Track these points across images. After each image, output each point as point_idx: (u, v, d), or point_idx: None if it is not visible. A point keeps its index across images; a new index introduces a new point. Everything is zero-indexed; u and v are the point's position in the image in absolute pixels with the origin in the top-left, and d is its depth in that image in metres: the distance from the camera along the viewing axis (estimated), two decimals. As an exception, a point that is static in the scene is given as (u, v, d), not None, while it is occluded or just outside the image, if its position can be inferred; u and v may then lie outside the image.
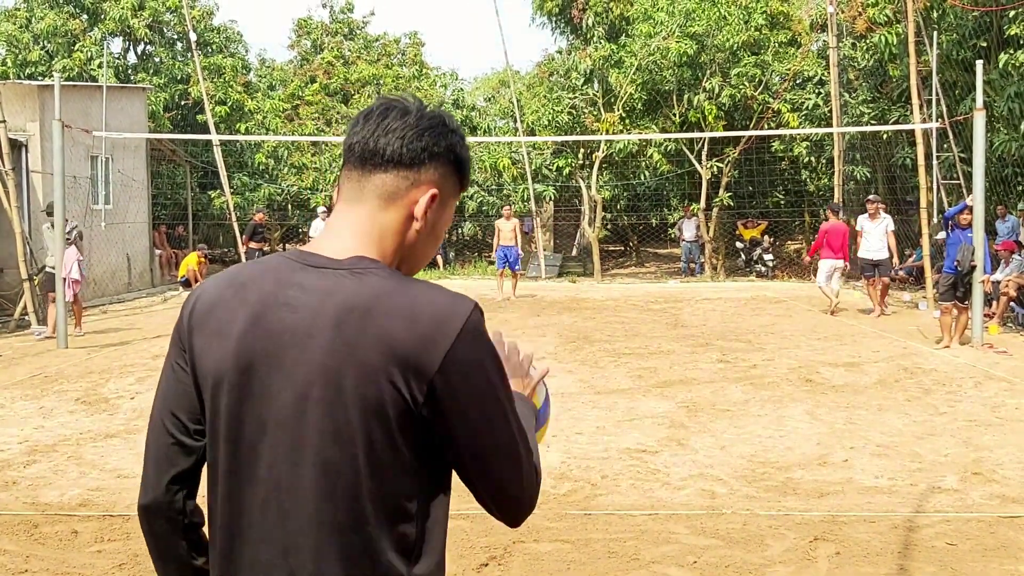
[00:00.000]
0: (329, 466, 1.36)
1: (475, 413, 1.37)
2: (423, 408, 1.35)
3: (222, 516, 1.44)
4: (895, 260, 14.49)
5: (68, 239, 12.04)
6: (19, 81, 18.52)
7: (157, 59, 27.11)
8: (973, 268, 10.95)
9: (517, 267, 17.21)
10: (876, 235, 13.97)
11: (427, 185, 1.48)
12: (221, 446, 1.43)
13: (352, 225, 1.47)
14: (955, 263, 11.03)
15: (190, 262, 19.88)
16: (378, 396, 1.34)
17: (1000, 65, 14.68)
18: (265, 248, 20.37)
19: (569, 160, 22.38)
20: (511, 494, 1.45)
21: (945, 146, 16.06)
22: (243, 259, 20.64)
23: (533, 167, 22.70)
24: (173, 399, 1.49)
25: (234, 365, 1.40)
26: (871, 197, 14.81)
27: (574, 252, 25.49)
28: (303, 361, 1.37)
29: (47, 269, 12.44)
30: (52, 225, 12.21)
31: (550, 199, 23.60)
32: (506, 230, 16.94)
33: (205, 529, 1.53)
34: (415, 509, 1.40)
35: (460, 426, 1.37)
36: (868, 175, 20.49)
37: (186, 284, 19.60)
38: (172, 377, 1.49)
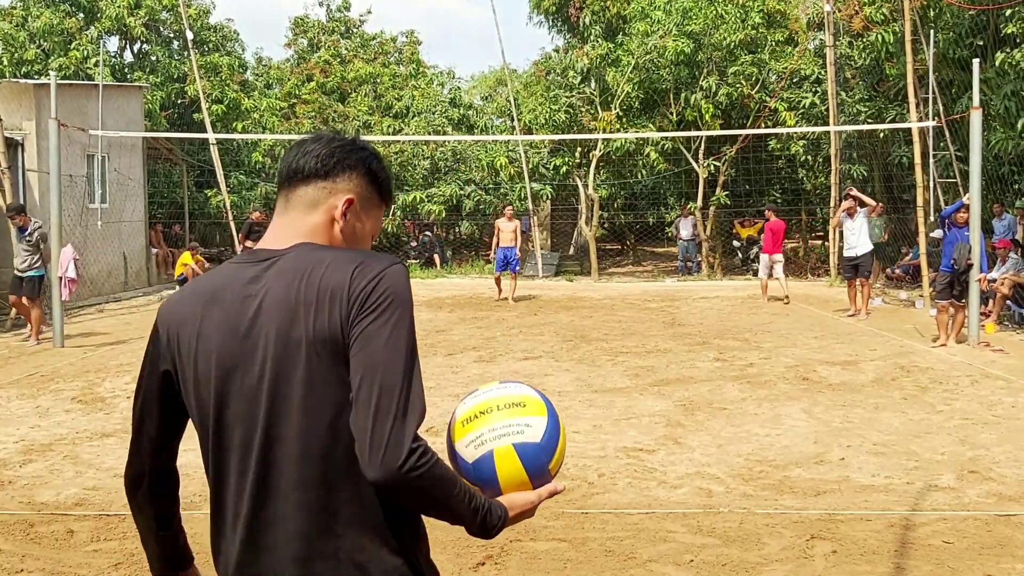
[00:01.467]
0: (310, 410, 1.59)
1: (375, 334, 1.56)
2: (348, 334, 1.58)
3: (232, 487, 1.68)
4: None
5: (30, 240, 11.64)
6: (15, 80, 18.48)
7: (153, 58, 27.06)
8: (970, 266, 10.96)
9: (517, 268, 16.98)
10: (856, 231, 13.89)
11: (343, 192, 1.76)
12: (219, 427, 1.68)
13: (287, 227, 1.75)
14: (952, 261, 11.04)
15: (186, 261, 19.85)
16: (328, 333, 1.58)
17: (996, 63, 14.68)
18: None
19: (566, 159, 22.36)
20: (376, 432, 1.51)
21: (942, 144, 16.07)
22: (240, 258, 20.61)
23: (530, 166, 22.69)
24: (152, 401, 1.80)
25: (219, 360, 1.66)
26: (846, 192, 14.76)
27: (571, 251, 25.49)
28: (268, 331, 1.62)
29: (16, 273, 11.87)
30: (20, 228, 11.79)
31: (547, 198, 23.60)
32: (507, 231, 16.70)
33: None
34: None
35: (362, 341, 1.56)
36: (865, 174, 20.49)
37: (183, 283, 19.58)
38: (153, 383, 1.78)
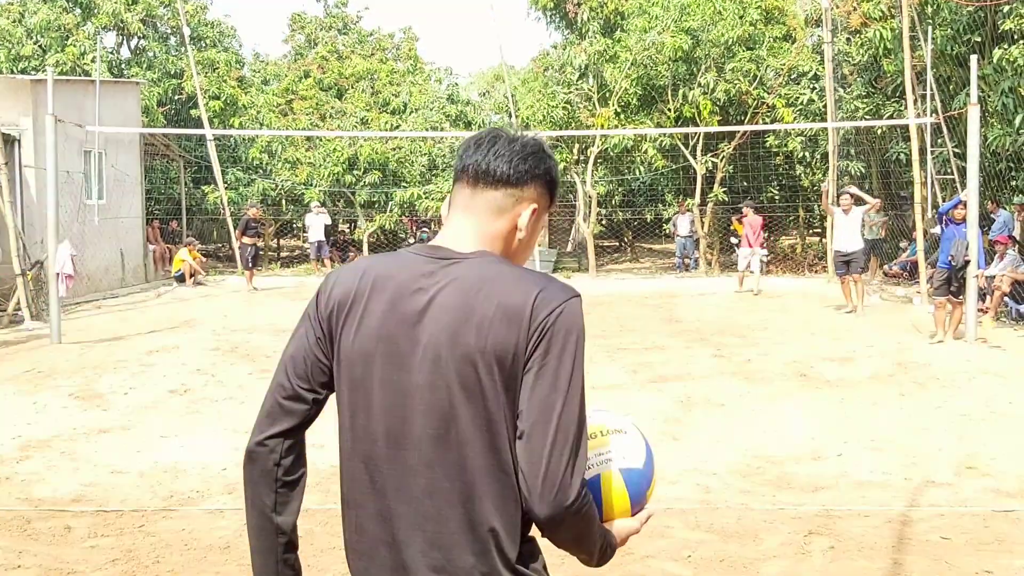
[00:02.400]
0: (470, 420, 1.59)
1: (555, 369, 1.58)
2: (523, 358, 1.58)
3: (369, 478, 1.66)
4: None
5: None
6: (12, 76, 18.45)
7: (151, 54, 27.00)
8: (967, 263, 10.96)
9: None
10: (850, 227, 13.93)
11: (529, 201, 1.76)
12: (366, 413, 1.66)
13: (470, 229, 1.74)
14: (949, 258, 11.05)
15: (183, 257, 19.82)
16: (499, 352, 1.57)
17: (994, 60, 14.68)
18: (259, 243, 20.30)
19: (564, 155, 22.34)
20: (551, 469, 1.53)
21: (939, 141, 16.07)
22: (236, 254, 20.59)
23: (528, 162, 22.64)
24: (296, 366, 1.73)
25: (378, 344, 1.65)
26: (845, 190, 14.88)
27: (569, 247, 25.49)
28: (434, 330, 1.61)
29: None
30: None
31: (545, 194, 23.58)
32: None
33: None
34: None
35: (538, 374, 1.57)
36: (863, 170, 20.48)
37: (180, 279, 19.55)
38: (302, 350, 1.74)
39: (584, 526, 1.59)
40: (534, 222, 1.77)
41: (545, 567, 1.69)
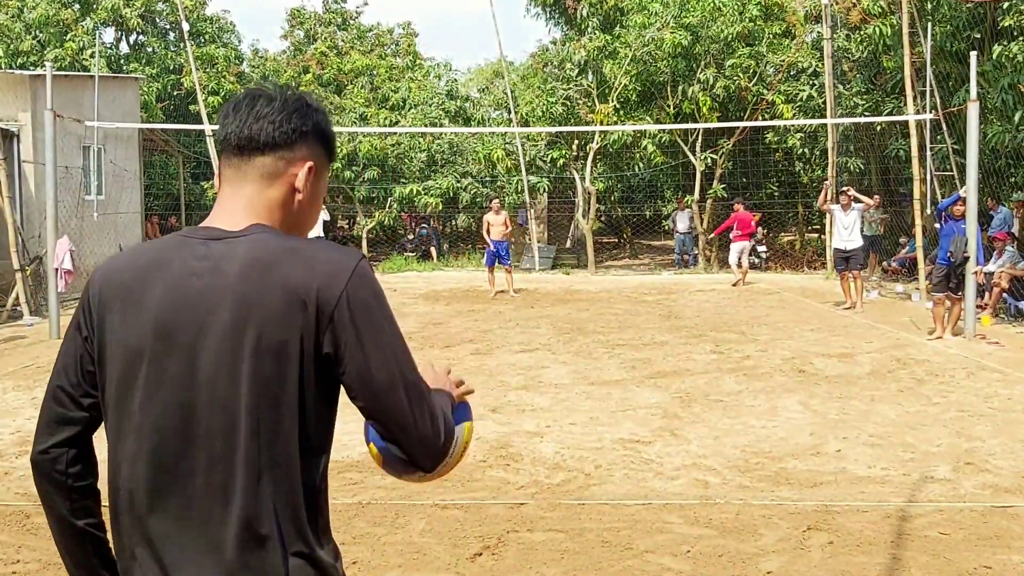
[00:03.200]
0: (252, 411, 1.50)
1: (375, 345, 1.53)
2: (325, 345, 1.52)
3: (143, 476, 1.53)
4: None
5: None
6: (11, 71, 18.41)
7: (149, 49, 26.98)
8: (966, 259, 10.98)
9: (508, 261, 16.55)
10: (849, 224, 13.97)
11: (303, 161, 1.65)
12: (143, 410, 1.53)
13: (242, 202, 1.62)
14: (948, 254, 11.06)
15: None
16: (285, 338, 1.50)
17: (993, 57, 14.68)
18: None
19: (563, 151, 22.34)
20: (421, 429, 1.57)
21: (939, 138, 16.06)
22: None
23: (527, 158, 22.65)
24: (70, 372, 1.63)
25: (153, 337, 1.53)
26: (845, 189, 14.98)
27: (568, 244, 25.48)
28: (215, 320, 1.51)
29: None
30: None
31: (544, 191, 23.59)
32: (497, 224, 16.38)
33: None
34: (321, 463, 1.57)
35: (364, 357, 1.52)
36: (862, 167, 20.50)
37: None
38: (73, 352, 1.63)
39: (455, 446, 1.66)
40: (313, 181, 1.67)
41: (338, 554, 1.61)
